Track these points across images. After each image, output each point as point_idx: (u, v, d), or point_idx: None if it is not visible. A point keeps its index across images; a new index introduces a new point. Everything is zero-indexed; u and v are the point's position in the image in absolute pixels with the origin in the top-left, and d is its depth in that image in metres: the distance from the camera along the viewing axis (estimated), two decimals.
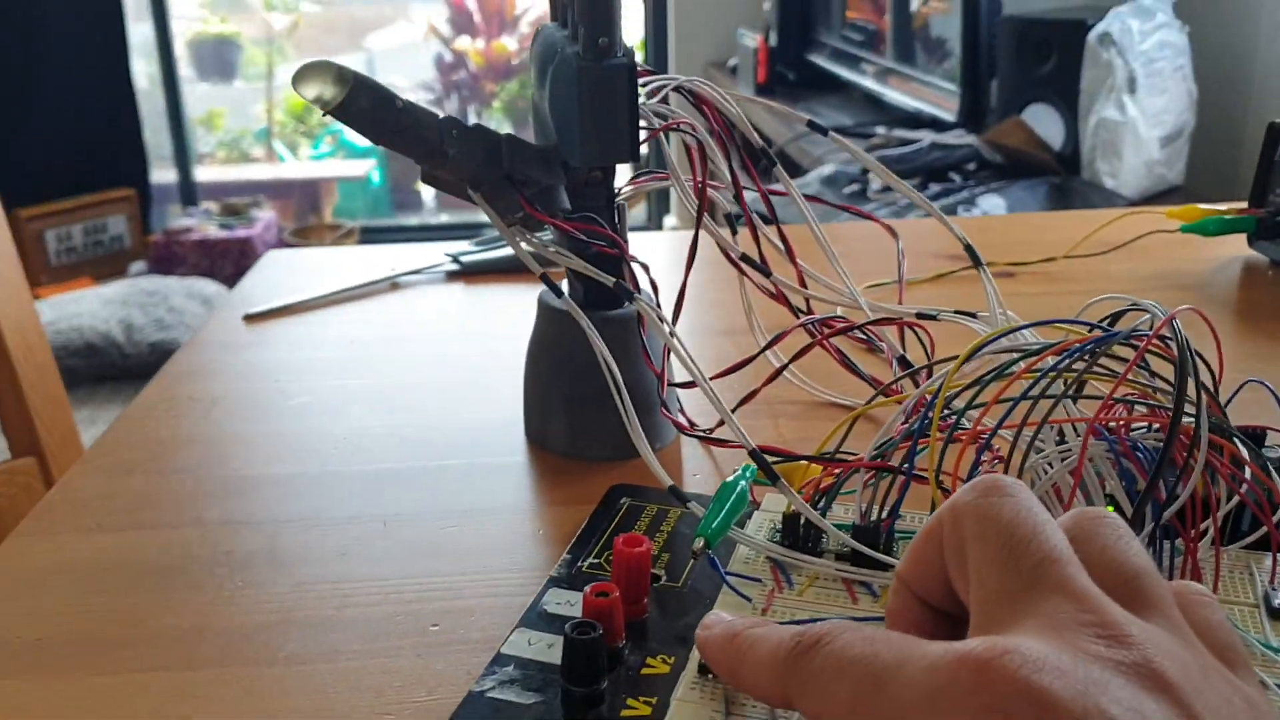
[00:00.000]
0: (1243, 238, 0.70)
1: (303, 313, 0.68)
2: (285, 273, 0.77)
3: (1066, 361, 0.34)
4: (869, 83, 2.32)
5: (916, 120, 2.06)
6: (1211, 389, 0.37)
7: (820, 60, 2.65)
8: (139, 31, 3.64)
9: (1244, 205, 0.70)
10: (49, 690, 0.36)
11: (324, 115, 0.39)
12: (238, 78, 4.63)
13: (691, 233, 0.46)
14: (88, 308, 2.80)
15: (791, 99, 2.64)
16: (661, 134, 0.44)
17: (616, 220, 0.47)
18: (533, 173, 0.44)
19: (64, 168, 3.54)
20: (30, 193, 3.36)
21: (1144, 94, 1.59)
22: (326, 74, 0.39)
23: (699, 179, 0.45)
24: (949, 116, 1.91)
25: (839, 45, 2.56)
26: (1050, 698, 0.21)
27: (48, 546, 0.44)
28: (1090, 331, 0.35)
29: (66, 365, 2.63)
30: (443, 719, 0.33)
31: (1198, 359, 0.36)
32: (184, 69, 4.03)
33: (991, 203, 1.56)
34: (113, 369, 2.71)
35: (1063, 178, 1.62)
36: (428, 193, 4.51)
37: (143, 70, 3.71)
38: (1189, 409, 0.34)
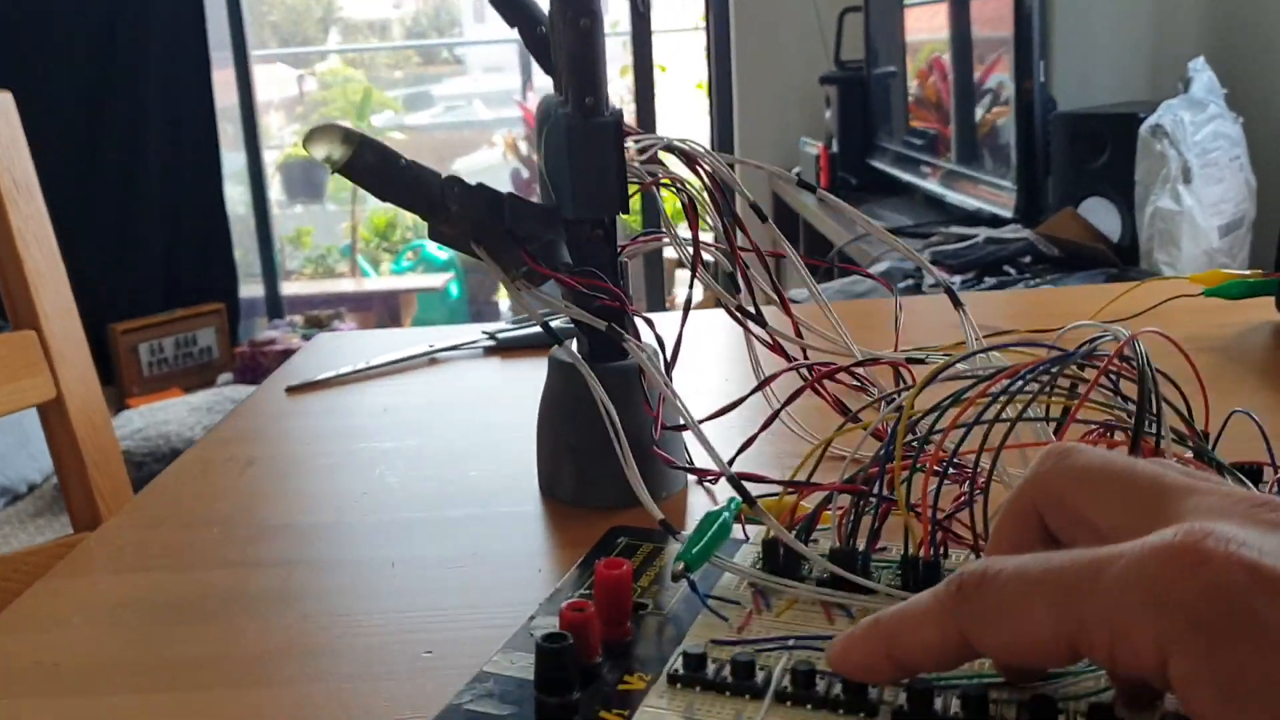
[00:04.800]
0: (1270, 303, 0.69)
1: (343, 385, 0.71)
2: (332, 352, 0.80)
3: (1019, 384, 0.35)
4: (930, 185, 2.34)
5: (975, 218, 2.07)
6: (1185, 412, 0.38)
7: (882, 165, 2.69)
8: (235, 160, 3.84)
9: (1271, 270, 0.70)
10: (59, 708, 0.37)
11: (333, 173, 0.42)
12: (326, 197, 4.83)
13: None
14: (174, 415, 2.89)
15: (853, 202, 2.66)
16: (656, 191, 0.47)
17: (619, 277, 0.49)
18: (534, 228, 0.46)
19: (158, 284, 3.71)
20: (126, 308, 3.52)
21: (1200, 184, 1.58)
22: (334, 135, 0.42)
23: (693, 233, 0.47)
24: (1006, 213, 1.92)
25: (900, 150, 2.60)
26: (1258, 566, 0.22)
27: (76, 586, 0.46)
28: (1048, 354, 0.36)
29: (152, 470, 2.71)
30: None
31: (1165, 379, 0.36)
32: (275, 190, 4.22)
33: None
34: None
35: (1120, 269, 1.61)
36: (504, 304, 4.62)
37: (240, 196, 3.89)
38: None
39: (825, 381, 0.48)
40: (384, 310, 4.04)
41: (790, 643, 0.34)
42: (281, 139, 4.85)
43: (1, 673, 0.40)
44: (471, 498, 0.53)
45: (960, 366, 0.37)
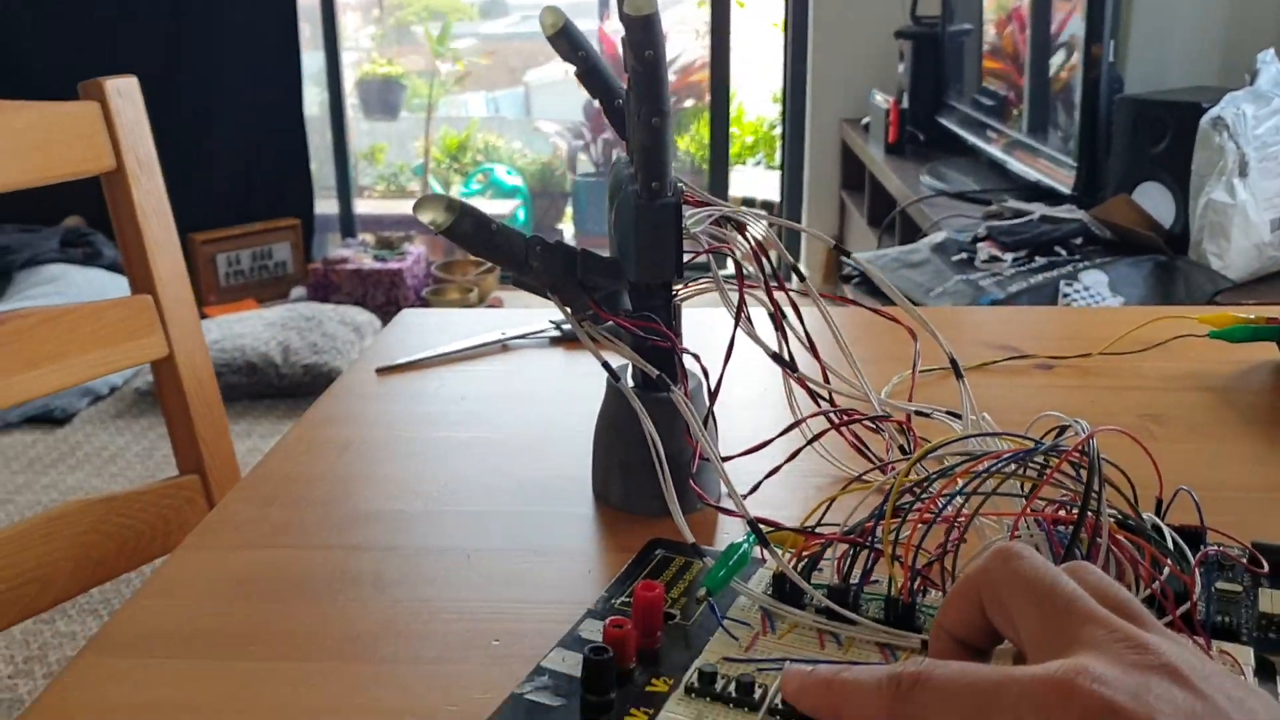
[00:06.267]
0: (1274, 344, 0.75)
1: (425, 369, 0.80)
2: (416, 330, 0.89)
3: (999, 465, 0.42)
4: (994, 150, 2.37)
5: (1036, 189, 2.11)
6: (1131, 496, 0.45)
7: (950, 124, 2.71)
8: (311, 60, 3.88)
9: (1276, 314, 0.76)
10: (199, 669, 0.47)
11: (437, 234, 0.50)
12: (401, 114, 4.90)
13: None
14: (250, 329, 3.02)
15: (920, 159, 2.71)
16: (709, 253, 0.54)
17: (673, 319, 0.57)
18: (601, 280, 0.54)
19: (237, 197, 3.82)
20: (205, 219, 3.64)
21: (1256, 178, 1.61)
22: (439, 204, 0.50)
23: (739, 292, 0.54)
24: (1065, 189, 1.95)
25: (968, 111, 2.61)
26: (1111, 703, 0.30)
27: (205, 559, 0.56)
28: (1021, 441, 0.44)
29: (228, 382, 2.85)
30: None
31: (1114, 467, 0.44)
32: (350, 105, 4.28)
33: (1094, 278, 1.60)
34: (269, 388, 2.93)
35: (1169, 257, 1.65)
36: (568, 231, 4.69)
37: (313, 98, 3.95)
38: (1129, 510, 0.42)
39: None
40: None
41: (786, 664, 0.42)
42: (356, 41, 4.90)
43: (150, 635, 0.50)
44: (536, 495, 0.62)
45: (959, 444, 0.45)
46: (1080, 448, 0.43)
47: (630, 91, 0.50)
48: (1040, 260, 1.69)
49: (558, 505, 0.60)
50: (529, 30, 5.33)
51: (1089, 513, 0.42)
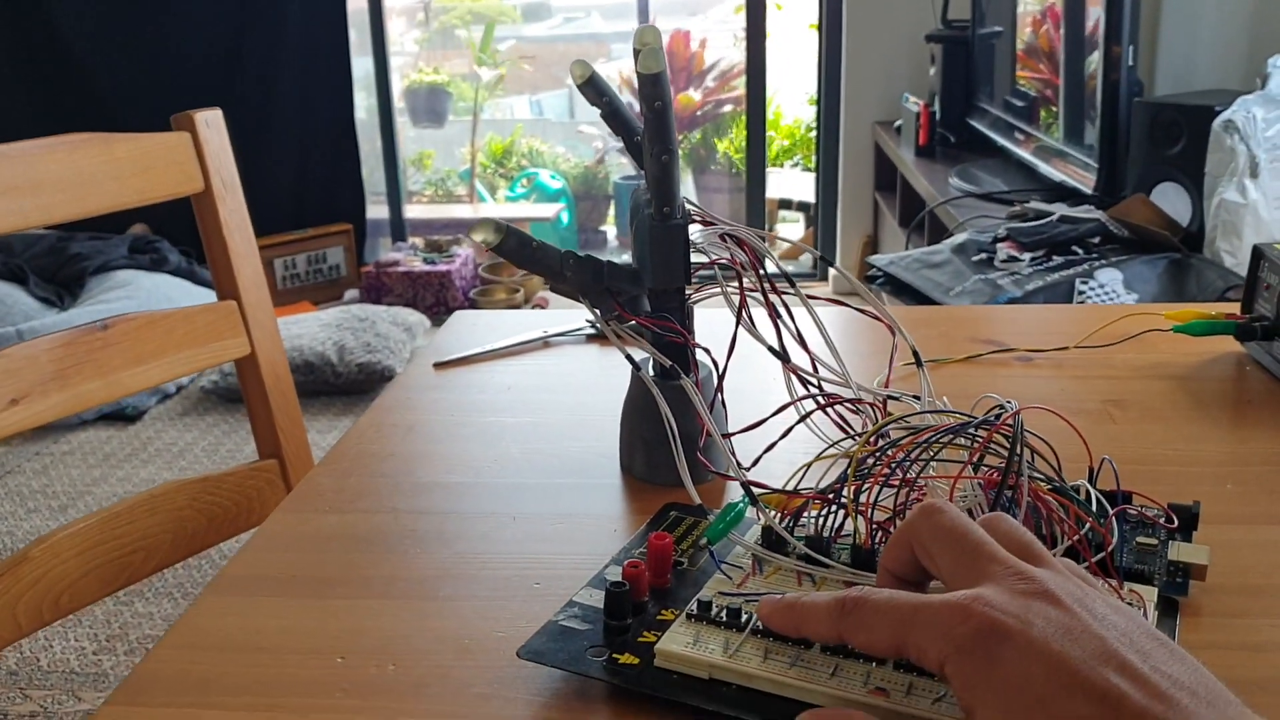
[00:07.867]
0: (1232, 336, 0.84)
1: (476, 363, 0.91)
2: (469, 329, 1.00)
3: (938, 437, 0.52)
4: (1021, 151, 2.44)
5: (1060, 190, 2.18)
6: (1056, 463, 0.55)
7: (980, 126, 2.78)
8: (358, 66, 4.01)
9: (1237, 309, 0.85)
10: (295, 605, 0.58)
11: (487, 250, 0.61)
12: (447, 120, 5.04)
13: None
14: (307, 330, 3.16)
15: (950, 161, 2.78)
16: (716, 265, 0.64)
17: (686, 318, 0.67)
18: (625, 286, 0.65)
19: (292, 203, 3.98)
20: (264, 225, 3.79)
21: (1266, 178, 1.68)
22: (489, 226, 0.60)
23: (740, 293, 0.65)
24: (1086, 189, 2.03)
25: (998, 113, 2.69)
26: (997, 621, 0.40)
27: (296, 520, 0.67)
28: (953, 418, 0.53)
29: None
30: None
31: (1042, 440, 0.53)
32: (398, 114, 4.42)
33: (1109, 276, 1.68)
34: (326, 385, 3.07)
35: (1184, 255, 1.73)
36: (610, 232, 4.80)
37: (361, 103, 4.09)
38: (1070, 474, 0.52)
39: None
40: None
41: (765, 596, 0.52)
42: (402, 45, 5.04)
43: (256, 579, 0.61)
44: (571, 469, 0.72)
45: (914, 419, 0.55)
46: (1008, 422, 0.52)
47: (644, 132, 0.60)
48: (1057, 259, 1.77)
49: (589, 477, 0.71)
50: (572, 33, 5.44)
51: (1013, 474, 0.51)
